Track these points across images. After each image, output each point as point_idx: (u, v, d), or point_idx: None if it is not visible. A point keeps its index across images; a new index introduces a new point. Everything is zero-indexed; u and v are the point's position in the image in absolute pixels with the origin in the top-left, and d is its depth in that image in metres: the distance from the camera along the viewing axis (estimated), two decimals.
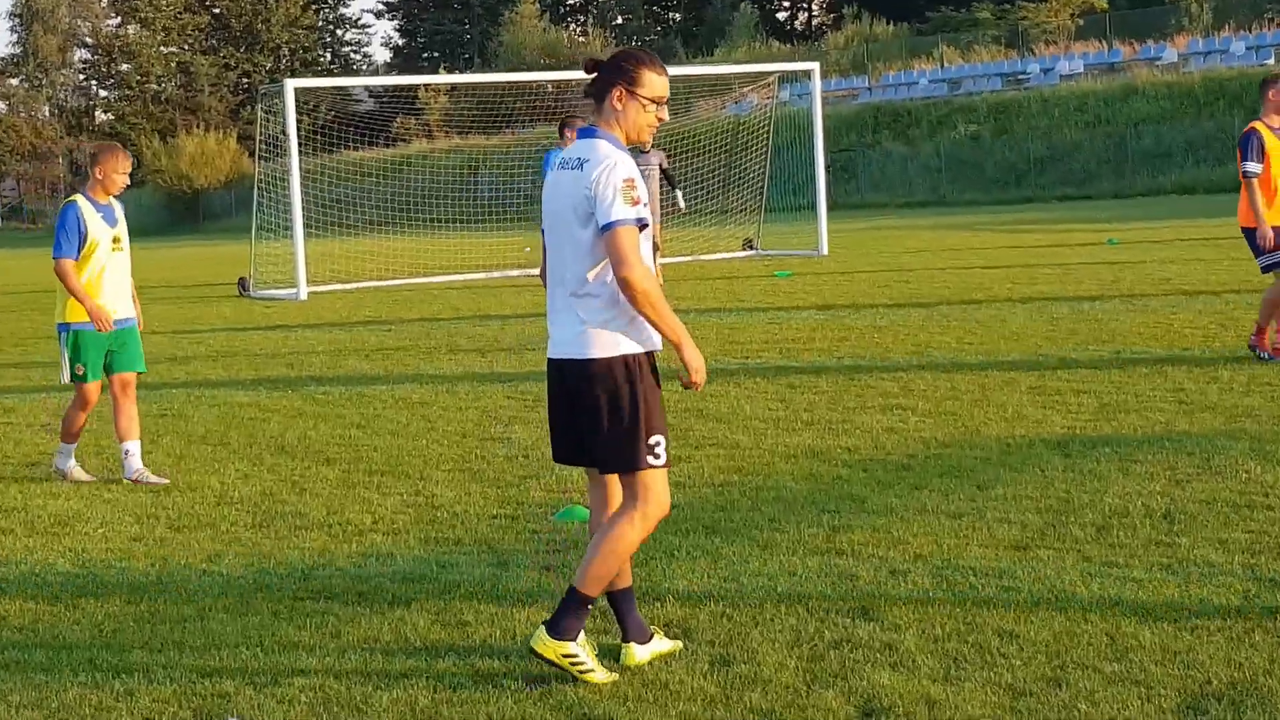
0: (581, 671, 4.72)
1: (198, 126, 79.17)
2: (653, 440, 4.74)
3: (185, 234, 63.54)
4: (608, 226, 4.63)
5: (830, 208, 27.94)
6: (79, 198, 8.61)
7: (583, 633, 4.79)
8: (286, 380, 12.65)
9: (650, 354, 4.80)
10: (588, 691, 4.66)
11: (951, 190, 48.86)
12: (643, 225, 4.68)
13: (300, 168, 23.37)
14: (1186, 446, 7.81)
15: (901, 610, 5.29)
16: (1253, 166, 10.32)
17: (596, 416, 4.73)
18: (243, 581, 6.20)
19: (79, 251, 8.44)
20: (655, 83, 4.82)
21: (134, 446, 8.59)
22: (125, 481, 8.50)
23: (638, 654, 4.90)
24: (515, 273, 24.68)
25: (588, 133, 4.84)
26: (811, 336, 13.42)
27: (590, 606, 4.80)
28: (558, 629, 4.74)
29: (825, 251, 25.37)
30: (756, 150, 28.44)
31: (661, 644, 4.97)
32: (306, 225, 23.62)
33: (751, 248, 26.91)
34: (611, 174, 4.66)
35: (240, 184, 66.37)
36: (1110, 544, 6.03)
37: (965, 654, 4.80)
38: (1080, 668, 4.63)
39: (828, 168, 31.80)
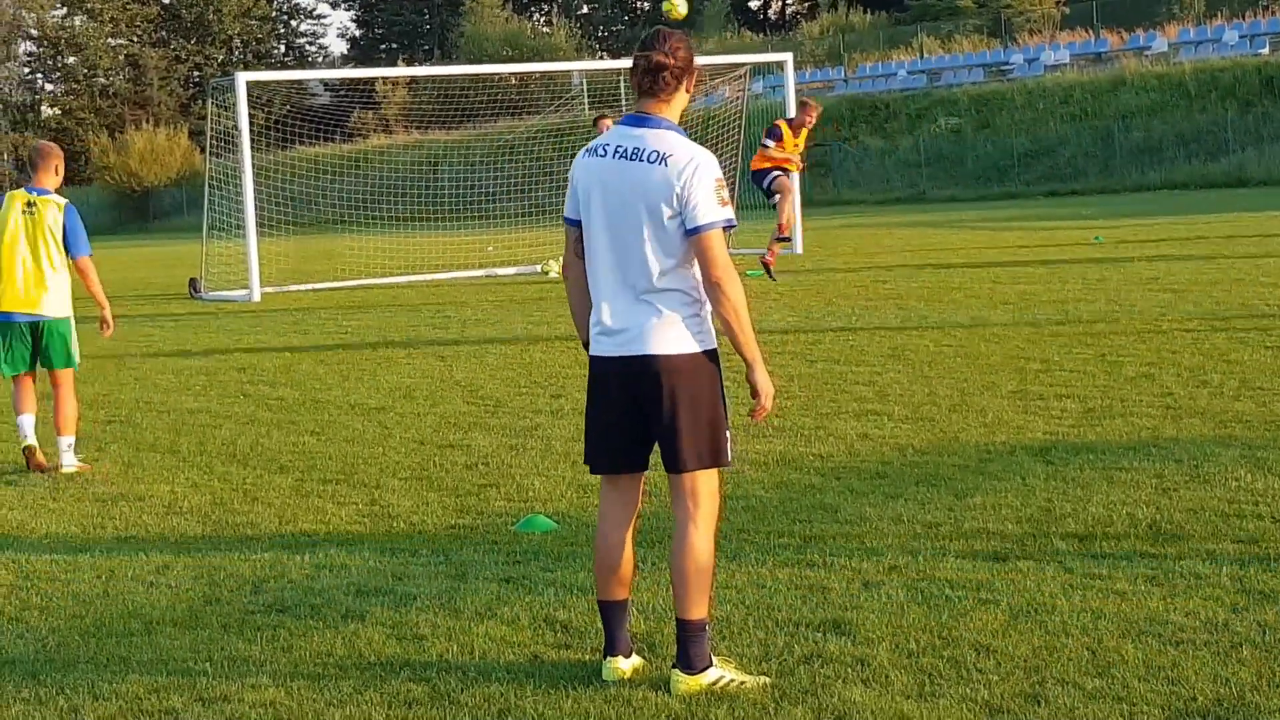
0: (734, 687, 4.61)
1: (147, 122, 78.17)
2: (729, 435, 4.72)
3: (134, 233, 62.94)
4: (699, 229, 4.52)
5: (805, 204, 27.72)
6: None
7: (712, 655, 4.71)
8: (238, 386, 12.42)
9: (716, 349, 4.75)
10: (547, 708, 4.55)
11: (931, 186, 47.67)
12: (730, 227, 4.58)
13: (253, 164, 23.04)
14: (1174, 454, 7.66)
15: (874, 624, 5.18)
16: (770, 143, 17.82)
17: (676, 412, 4.61)
18: (192, 594, 6.06)
19: None
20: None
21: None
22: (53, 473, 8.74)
23: (622, 666, 4.80)
24: (477, 273, 24.47)
25: (648, 122, 4.63)
26: (784, 339, 13.22)
27: (708, 627, 4.71)
28: (690, 664, 4.64)
29: (800, 250, 25.13)
30: (727, 145, 28.09)
31: (635, 660, 4.86)
32: (259, 224, 23.29)
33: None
34: (703, 173, 4.54)
35: (191, 181, 65.65)
36: (1093, 555, 5.91)
37: (940, 669, 4.70)
38: (1060, 684, 4.53)
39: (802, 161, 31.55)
